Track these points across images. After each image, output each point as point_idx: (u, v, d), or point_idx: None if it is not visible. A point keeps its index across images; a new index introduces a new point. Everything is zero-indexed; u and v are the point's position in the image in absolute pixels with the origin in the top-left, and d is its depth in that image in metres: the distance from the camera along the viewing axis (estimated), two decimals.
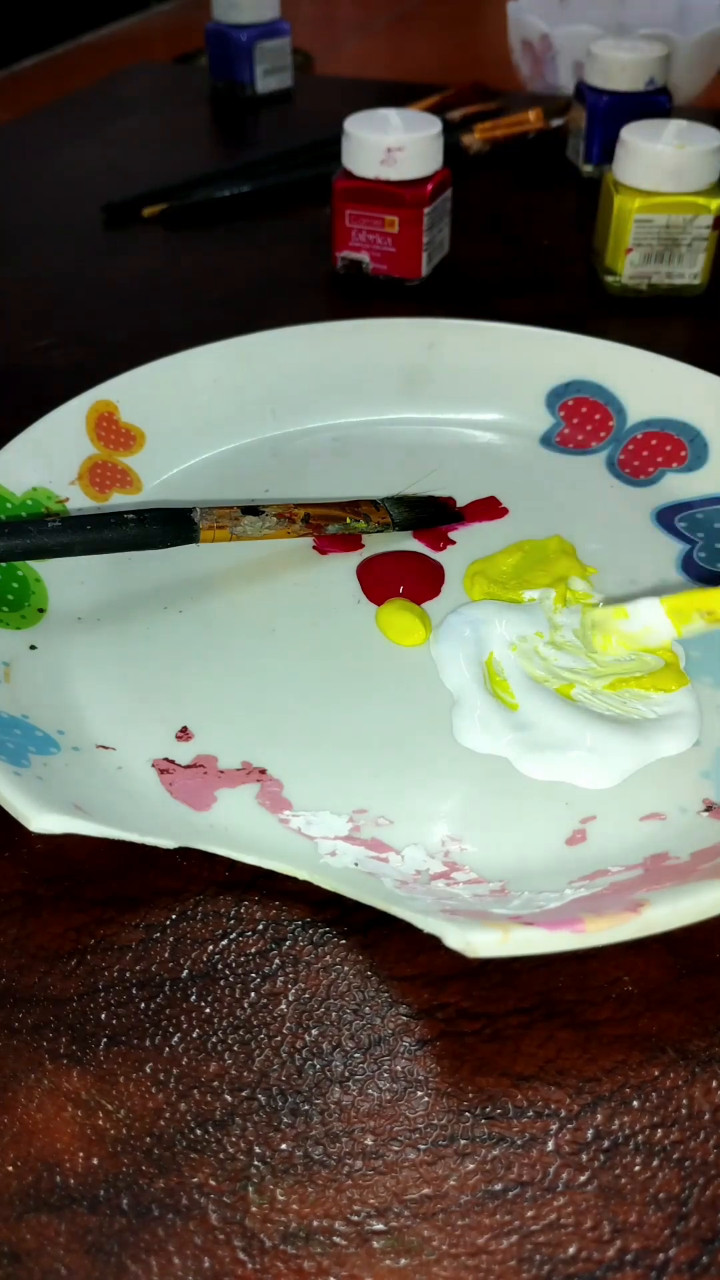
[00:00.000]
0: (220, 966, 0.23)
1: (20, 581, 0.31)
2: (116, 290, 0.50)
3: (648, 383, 0.37)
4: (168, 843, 0.23)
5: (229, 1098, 0.21)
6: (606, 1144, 0.20)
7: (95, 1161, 0.20)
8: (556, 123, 0.63)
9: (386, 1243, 0.19)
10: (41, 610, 0.31)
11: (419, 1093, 0.21)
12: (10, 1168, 0.20)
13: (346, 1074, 0.21)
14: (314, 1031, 0.22)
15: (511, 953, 0.20)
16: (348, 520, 0.33)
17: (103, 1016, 0.22)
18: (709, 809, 0.25)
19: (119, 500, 0.35)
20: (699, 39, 0.67)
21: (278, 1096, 0.21)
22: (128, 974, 0.23)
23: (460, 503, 0.35)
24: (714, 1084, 0.21)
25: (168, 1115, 0.21)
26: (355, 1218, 0.19)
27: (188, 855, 0.25)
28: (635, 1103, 0.21)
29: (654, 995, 0.22)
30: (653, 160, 0.44)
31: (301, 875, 0.22)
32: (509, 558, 0.33)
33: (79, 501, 0.34)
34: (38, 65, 0.98)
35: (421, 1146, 0.20)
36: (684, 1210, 0.19)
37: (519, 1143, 0.20)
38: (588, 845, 0.25)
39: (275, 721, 0.28)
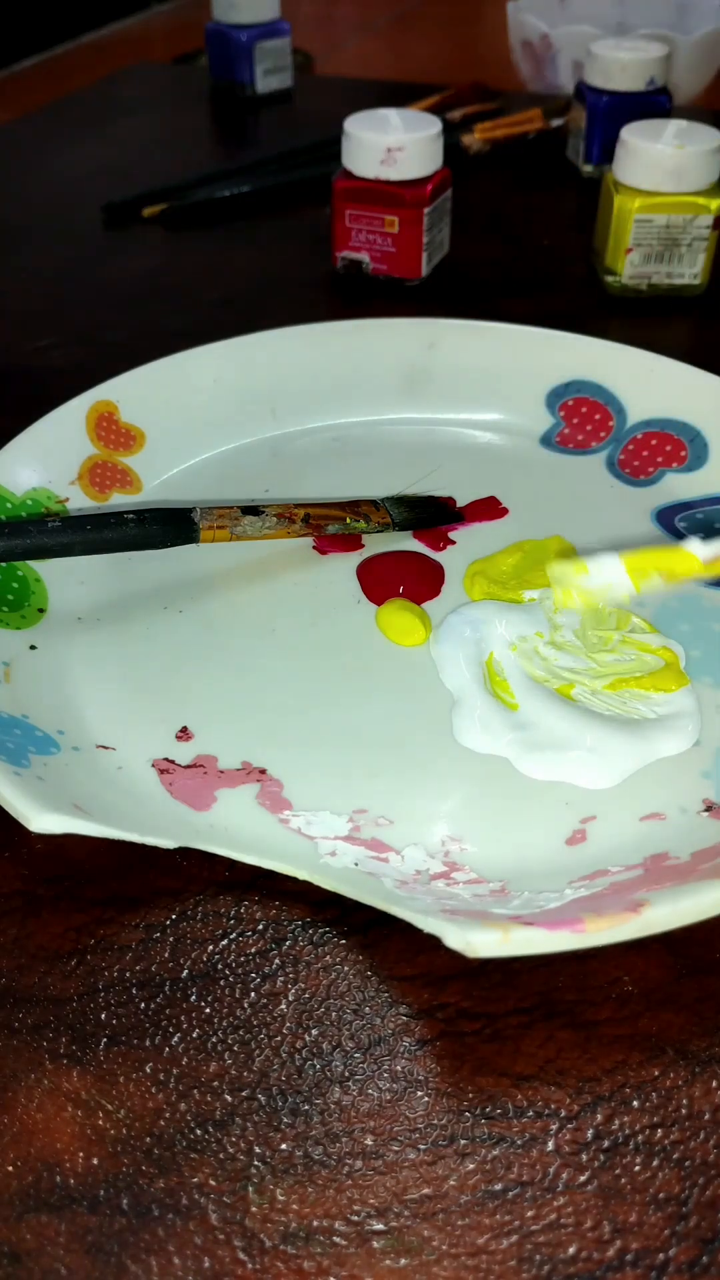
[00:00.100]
0: (220, 966, 0.23)
1: (20, 581, 0.31)
2: (116, 290, 0.50)
3: (648, 383, 0.37)
4: (168, 843, 0.23)
5: (229, 1098, 0.21)
6: (606, 1144, 0.20)
7: (95, 1161, 0.20)
8: (556, 123, 0.63)
9: (386, 1243, 0.19)
10: (41, 610, 0.31)
11: (419, 1093, 0.21)
12: (10, 1168, 0.20)
13: (346, 1074, 0.21)
14: (314, 1031, 0.22)
15: (511, 953, 0.20)
16: (348, 520, 0.33)
17: (103, 1016, 0.22)
18: (709, 809, 0.25)
19: (119, 500, 0.35)
20: (699, 39, 0.67)
21: (278, 1096, 0.21)
22: (128, 974, 0.23)
23: (460, 503, 0.35)
24: (714, 1084, 0.21)
25: (168, 1115, 0.21)
26: (355, 1218, 0.19)
27: (188, 855, 0.25)
28: (635, 1103, 0.21)
29: (654, 995, 0.22)
30: (653, 160, 0.44)
31: (301, 875, 0.22)
32: (509, 558, 0.33)
33: (79, 501, 0.34)
34: (37, 65, 0.98)
35: (421, 1146, 0.20)
36: (684, 1210, 0.19)
37: (519, 1143, 0.20)
38: (588, 845, 0.25)
39: (275, 721, 0.28)
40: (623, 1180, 0.20)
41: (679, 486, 0.36)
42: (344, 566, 0.33)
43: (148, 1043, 0.22)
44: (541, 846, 0.25)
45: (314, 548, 0.33)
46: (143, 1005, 0.22)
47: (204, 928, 0.24)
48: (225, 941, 0.23)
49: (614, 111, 0.55)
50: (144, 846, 0.24)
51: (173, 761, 0.27)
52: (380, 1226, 0.19)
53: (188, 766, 0.27)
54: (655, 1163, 0.20)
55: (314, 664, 0.30)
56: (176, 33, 1.07)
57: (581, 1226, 0.19)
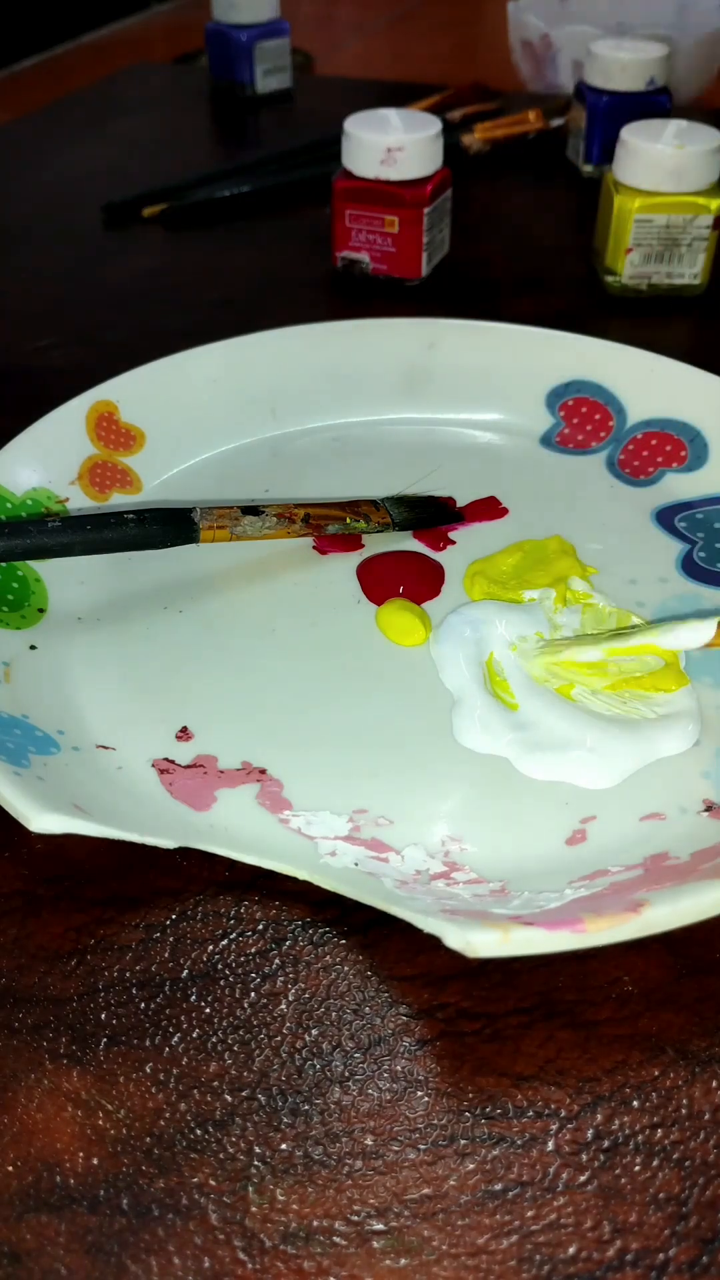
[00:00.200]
0: (220, 966, 0.23)
1: (20, 581, 0.31)
2: (116, 290, 0.50)
3: (648, 383, 0.37)
4: (168, 843, 0.23)
5: (229, 1098, 0.21)
6: (606, 1144, 0.20)
7: (95, 1161, 0.20)
8: (556, 123, 0.63)
9: (386, 1243, 0.19)
10: (41, 610, 0.31)
11: (419, 1093, 0.21)
12: (10, 1168, 0.20)
13: (346, 1074, 0.21)
14: (314, 1031, 0.22)
15: (511, 953, 0.20)
16: (348, 520, 0.33)
17: (103, 1016, 0.22)
18: (709, 809, 0.25)
19: (119, 500, 0.35)
20: (699, 39, 0.67)
21: (278, 1096, 0.21)
22: (128, 974, 0.23)
23: (460, 503, 0.35)
24: (714, 1084, 0.21)
25: (168, 1115, 0.21)
26: (355, 1218, 0.19)
27: (188, 855, 0.25)
28: (635, 1103, 0.21)
29: (654, 995, 0.22)
30: (653, 160, 0.44)
31: (301, 875, 0.22)
32: (509, 558, 0.33)
33: (79, 501, 0.34)
34: (37, 65, 0.98)
35: (421, 1146, 0.20)
36: (684, 1210, 0.19)
37: (519, 1143, 0.20)
38: (588, 845, 0.25)
39: (275, 721, 0.28)
40: (623, 1180, 0.20)
41: (679, 486, 0.36)
42: (344, 566, 0.33)
43: (148, 1043, 0.22)
44: (541, 846, 0.25)
45: (314, 548, 0.33)
46: (143, 1005, 0.22)
47: (204, 928, 0.24)
48: (225, 941, 0.23)
49: (614, 111, 0.55)
50: (144, 846, 0.24)
51: (173, 761, 0.27)
52: (380, 1226, 0.19)
53: (188, 766, 0.27)
54: (655, 1163, 0.20)
55: (314, 664, 0.30)
56: (176, 33, 1.07)
57: (581, 1226, 0.19)
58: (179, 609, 0.31)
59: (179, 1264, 0.19)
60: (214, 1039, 0.22)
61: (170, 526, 0.30)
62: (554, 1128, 0.20)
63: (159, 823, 0.25)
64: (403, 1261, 0.19)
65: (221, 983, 0.23)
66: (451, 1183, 0.20)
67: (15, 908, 0.24)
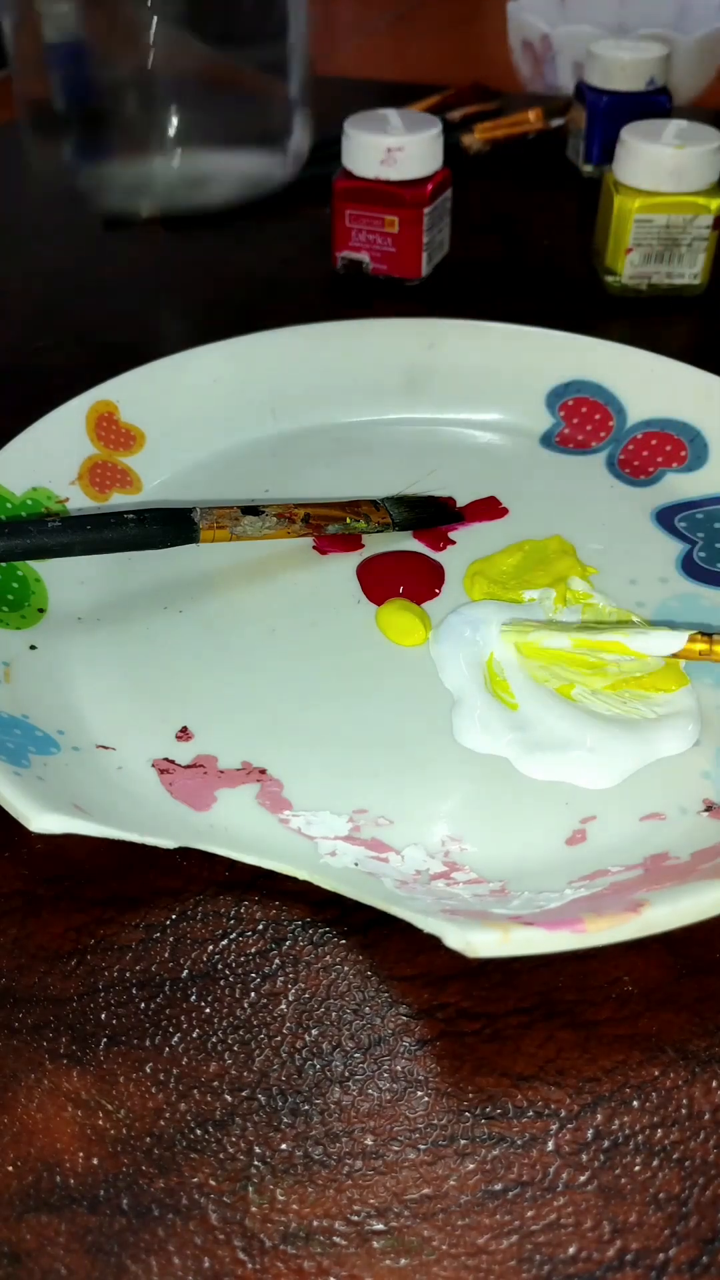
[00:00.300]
0: (220, 966, 0.23)
1: (20, 581, 0.31)
2: (116, 290, 0.50)
3: (648, 383, 0.37)
4: (168, 843, 0.23)
5: (229, 1098, 0.21)
6: (606, 1144, 0.20)
7: (95, 1161, 0.20)
8: (556, 123, 0.63)
9: (386, 1243, 0.19)
10: (41, 610, 0.31)
11: (419, 1093, 0.21)
12: (10, 1168, 0.20)
13: (346, 1074, 0.21)
14: (314, 1031, 0.22)
15: (511, 953, 0.20)
16: (348, 520, 0.33)
17: (103, 1016, 0.22)
18: (709, 809, 0.25)
19: (119, 500, 0.35)
20: (699, 39, 0.67)
21: (278, 1096, 0.21)
22: (128, 974, 0.23)
23: (460, 503, 0.35)
24: (714, 1084, 0.21)
25: (168, 1115, 0.21)
26: (355, 1218, 0.19)
27: (188, 855, 0.25)
28: (635, 1103, 0.21)
29: (654, 995, 0.22)
30: (653, 160, 0.44)
31: (301, 875, 0.22)
32: (509, 558, 0.33)
33: (79, 501, 0.34)
34: None
35: (421, 1146, 0.20)
36: (684, 1210, 0.19)
37: (519, 1143, 0.20)
38: (588, 845, 0.25)
39: (275, 721, 0.28)
40: (623, 1180, 0.20)
41: (679, 486, 0.36)
42: (344, 566, 0.33)
43: (148, 1043, 0.22)
44: (541, 846, 0.25)
45: (314, 548, 0.33)
46: (143, 1005, 0.22)
47: (204, 928, 0.24)
48: (225, 941, 0.23)
49: (614, 111, 0.55)
50: (144, 846, 0.24)
51: (173, 761, 0.27)
52: (380, 1226, 0.19)
53: (188, 766, 0.27)
54: (655, 1163, 0.20)
55: (314, 664, 0.30)
56: None
57: (581, 1226, 0.19)
58: (179, 609, 0.31)
59: (179, 1264, 0.19)
60: (214, 1039, 0.22)
61: (170, 526, 0.30)
62: (554, 1128, 0.20)
63: (159, 823, 0.25)
64: (403, 1261, 0.19)
65: (221, 983, 0.23)
66: (451, 1183, 0.20)
67: (15, 908, 0.24)
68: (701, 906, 0.20)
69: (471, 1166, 0.20)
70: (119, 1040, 0.22)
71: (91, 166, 0.47)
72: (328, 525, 0.33)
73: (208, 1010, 0.22)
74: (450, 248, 0.50)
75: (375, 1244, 0.19)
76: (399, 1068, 0.21)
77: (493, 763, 0.27)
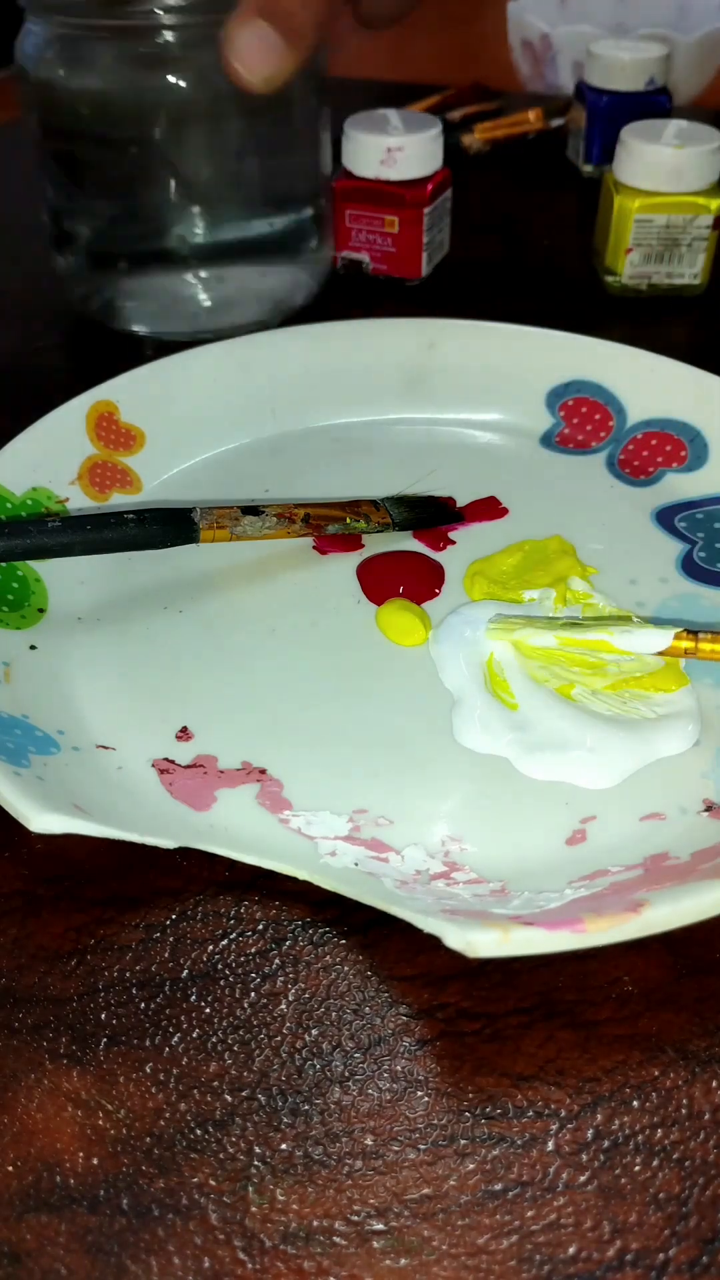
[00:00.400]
0: (220, 966, 0.23)
1: (20, 581, 0.31)
2: None
3: (648, 383, 0.37)
4: (168, 843, 0.23)
5: (229, 1098, 0.21)
6: (606, 1144, 0.20)
7: (95, 1161, 0.20)
8: (556, 123, 0.63)
9: (386, 1243, 0.19)
10: (41, 610, 0.31)
11: (419, 1093, 0.21)
12: (10, 1168, 0.20)
13: (346, 1074, 0.21)
14: (314, 1031, 0.22)
15: (511, 953, 0.20)
16: (348, 520, 0.33)
17: (103, 1016, 0.22)
18: (709, 809, 0.25)
19: (119, 500, 0.35)
20: (699, 39, 0.67)
21: (278, 1096, 0.21)
22: (128, 974, 0.23)
23: (460, 503, 0.35)
24: (714, 1084, 0.21)
25: (168, 1115, 0.21)
26: (355, 1218, 0.19)
27: (188, 855, 0.25)
28: (635, 1103, 0.21)
29: (654, 995, 0.22)
30: (653, 160, 0.44)
31: (301, 875, 0.22)
32: (509, 558, 0.33)
33: (79, 501, 0.34)
34: None
35: (421, 1146, 0.20)
36: (684, 1210, 0.19)
37: (519, 1143, 0.20)
38: (588, 845, 0.25)
39: (275, 721, 0.28)
40: (623, 1180, 0.20)
41: (679, 486, 0.36)
42: (344, 566, 0.33)
43: (148, 1043, 0.22)
44: (541, 846, 0.25)
45: (314, 548, 0.33)
46: (143, 1005, 0.22)
47: (204, 928, 0.24)
48: (225, 941, 0.23)
49: (614, 111, 0.55)
50: (144, 846, 0.24)
51: (173, 761, 0.27)
52: (380, 1226, 0.19)
53: (188, 766, 0.27)
54: (655, 1163, 0.20)
55: (314, 664, 0.30)
56: None
57: (581, 1226, 0.19)
58: (179, 609, 0.31)
59: (179, 1264, 0.19)
60: (214, 1039, 0.22)
61: (170, 526, 0.30)
62: (554, 1128, 0.20)
63: (159, 823, 0.25)
64: (403, 1261, 0.19)
65: (221, 983, 0.23)
66: (451, 1183, 0.20)
67: (15, 908, 0.24)
68: (701, 906, 0.20)
69: (471, 1166, 0.20)
70: (119, 1040, 0.22)
71: (107, 288, 0.44)
72: (328, 525, 0.33)
73: (208, 1010, 0.22)
74: (450, 248, 0.50)
75: (375, 1244, 0.19)
76: (399, 1068, 0.21)
77: (493, 763, 0.27)
